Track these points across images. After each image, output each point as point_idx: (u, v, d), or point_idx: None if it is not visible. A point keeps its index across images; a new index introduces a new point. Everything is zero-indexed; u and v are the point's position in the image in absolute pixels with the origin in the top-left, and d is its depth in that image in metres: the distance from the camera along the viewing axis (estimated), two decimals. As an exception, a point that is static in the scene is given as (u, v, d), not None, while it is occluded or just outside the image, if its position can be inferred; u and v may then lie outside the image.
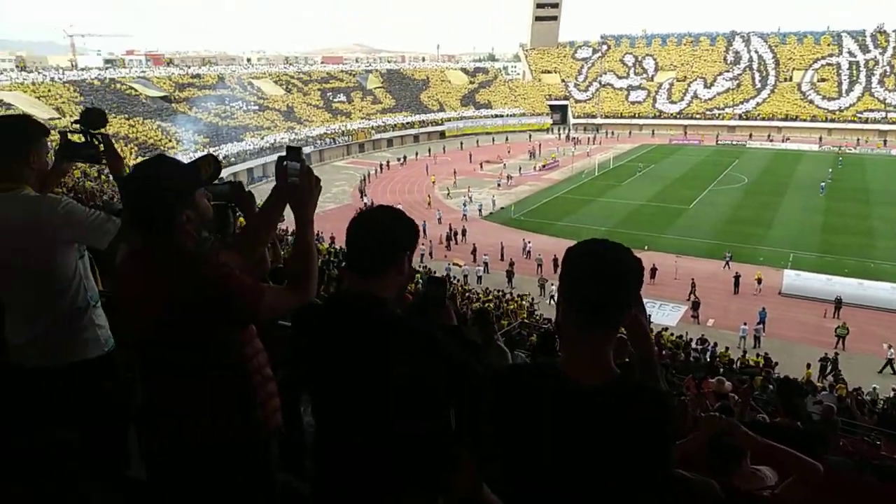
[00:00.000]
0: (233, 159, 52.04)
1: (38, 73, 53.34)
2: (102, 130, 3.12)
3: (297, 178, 2.02)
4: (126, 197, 2.07)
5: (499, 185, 49.64)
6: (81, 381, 2.67)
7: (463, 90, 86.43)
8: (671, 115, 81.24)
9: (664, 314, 25.43)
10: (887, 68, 76.85)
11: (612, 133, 78.51)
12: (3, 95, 47.07)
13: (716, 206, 41.93)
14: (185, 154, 47.17)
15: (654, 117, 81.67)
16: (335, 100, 74.12)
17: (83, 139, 3.03)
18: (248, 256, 2.24)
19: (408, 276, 1.95)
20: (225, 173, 50.32)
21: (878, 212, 39.91)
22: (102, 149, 3.08)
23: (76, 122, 3.11)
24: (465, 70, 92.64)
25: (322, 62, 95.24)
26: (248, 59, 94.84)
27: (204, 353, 2.01)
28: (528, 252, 32.72)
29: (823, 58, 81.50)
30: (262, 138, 57.95)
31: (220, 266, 2.01)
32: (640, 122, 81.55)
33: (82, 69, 58.94)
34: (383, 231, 1.91)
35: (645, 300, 1.91)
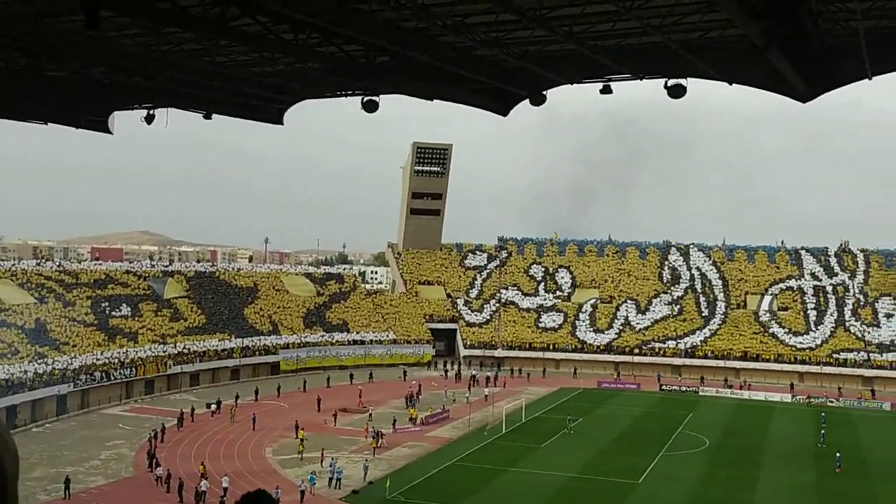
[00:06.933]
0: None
1: None
2: None
3: None
4: None
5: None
6: None
7: (307, 305, 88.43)
8: (597, 347, 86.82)
9: None
10: (860, 297, 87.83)
11: (520, 371, 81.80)
12: None
13: (674, 482, 43.60)
14: None
15: (576, 349, 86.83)
16: (114, 314, 73.15)
17: None
18: None
19: None
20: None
21: (886, 493, 42.72)
22: None
23: None
24: (310, 276, 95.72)
25: (94, 257, 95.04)
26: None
27: None
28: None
29: (782, 280, 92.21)
30: (-7, 369, 55.26)
31: None
32: (558, 355, 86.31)
33: None
34: None
35: None
